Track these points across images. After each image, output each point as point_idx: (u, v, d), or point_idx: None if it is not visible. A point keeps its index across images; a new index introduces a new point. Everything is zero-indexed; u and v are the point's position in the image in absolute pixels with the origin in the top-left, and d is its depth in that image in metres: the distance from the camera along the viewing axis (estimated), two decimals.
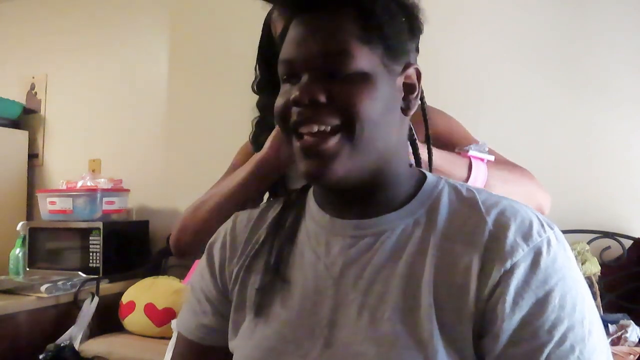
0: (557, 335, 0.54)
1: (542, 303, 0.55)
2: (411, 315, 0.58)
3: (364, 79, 0.60)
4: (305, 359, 0.61)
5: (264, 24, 1.08)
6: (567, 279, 0.57)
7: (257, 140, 1.11)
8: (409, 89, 0.65)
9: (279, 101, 0.63)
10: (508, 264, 0.56)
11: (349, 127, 0.59)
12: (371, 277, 0.61)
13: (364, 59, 0.60)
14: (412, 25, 0.65)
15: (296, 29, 0.63)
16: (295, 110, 0.60)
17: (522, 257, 0.56)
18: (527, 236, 0.58)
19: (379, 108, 0.60)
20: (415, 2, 0.66)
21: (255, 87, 1.10)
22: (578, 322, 0.55)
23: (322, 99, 0.59)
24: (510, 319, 0.55)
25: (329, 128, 0.59)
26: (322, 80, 0.60)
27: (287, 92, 0.62)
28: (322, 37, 0.61)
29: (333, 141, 0.59)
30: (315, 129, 0.59)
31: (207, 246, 0.77)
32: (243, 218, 0.76)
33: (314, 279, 0.65)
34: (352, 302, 0.61)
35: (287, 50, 0.63)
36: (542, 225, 0.59)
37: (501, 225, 0.59)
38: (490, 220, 0.59)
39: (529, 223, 0.59)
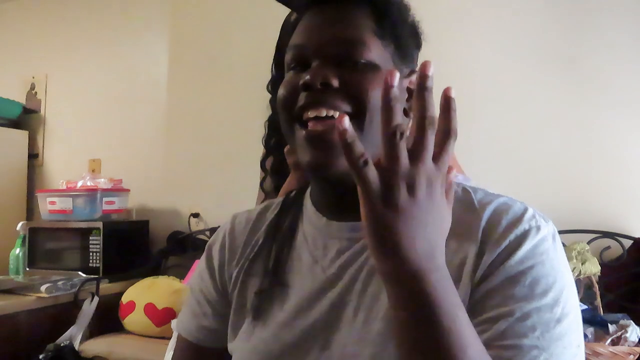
0: (519, 312, 0.53)
1: (512, 280, 0.54)
2: None
3: (375, 69, 0.60)
4: None
5: (283, 25, 1.09)
6: (546, 265, 0.56)
7: (268, 143, 1.10)
8: (412, 94, 0.66)
9: (284, 88, 0.62)
10: (496, 252, 0.56)
11: (359, 115, 0.59)
12: (366, 279, 0.61)
13: (377, 51, 0.61)
14: (417, 37, 0.67)
15: (310, 18, 0.64)
16: (303, 94, 0.60)
17: (508, 244, 0.56)
18: (517, 223, 0.58)
19: None
20: (417, 20, 0.67)
21: (269, 87, 1.11)
22: (546, 307, 0.54)
23: (335, 83, 0.59)
24: (478, 289, 0.55)
25: (337, 114, 0.58)
26: (333, 66, 0.60)
27: (292, 79, 0.62)
28: (337, 25, 0.61)
29: None
30: (324, 113, 0.58)
31: (206, 247, 0.77)
32: (241, 220, 0.76)
33: (311, 282, 0.65)
34: (348, 304, 0.61)
35: (298, 37, 0.63)
36: (535, 216, 0.59)
37: (494, 220, 0.59)
38: (484, 217, 0.59)
39: (522, 213, 0.59)
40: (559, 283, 0.56)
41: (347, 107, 0.59)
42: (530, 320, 0.53)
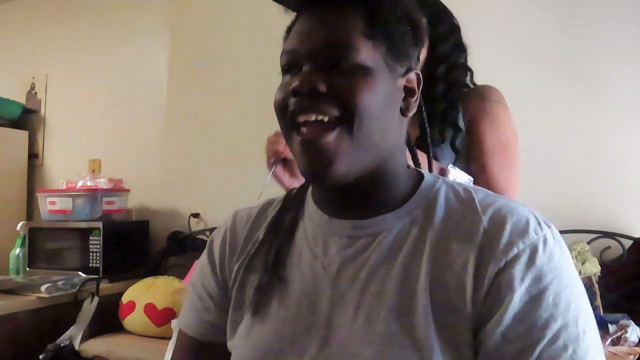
0: (549, 334, 0.54)
1: (535, 301, 0.55)
2: (407, 315, 0.58)
3: (365, 72, 0.60)
4: (302, 358, 0.62)
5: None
6: (562, 277, 0.56)
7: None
8: (409, 92, 0.66)
9: (278, 93, 0.63)
10: (502, 262, 0.56)
11: (348, 119, 0.59)
12: (367, 277, 0.62)
13: (367, 53, 0.60)
14: (415, 34, 0.66)
15: (302, 22, 0.64)
16: (293, 100, 0.61)
17: (517, 255, 0.56)
18: (523, 234, 0.58)
19: (379, 102, 0.60)
20: (420, 15, 0.67)
21: None
22: (572, 321, 0.55)
23: (322, 88, 0.59)
24: (503, 316, 0.55)
25: (326, 118, 0.59)
26: (323, 70, 0.60)
27: (286, 84, 0.63)
28: (326, 29, 0.61)
29: (332, 135, 0.59)
30: (313, 117, 0.59)
31: (207, 243, 0.78)
32: (243, 216, 0.76)
33: (311, 279, 0.65)
34: (348, 302, 0.62)
35: (290, 41, 0.64)
36: (539, 224, 0.59)
37: (497, 224, 0.59)
38: (485, 218, 0.59)
39: (526, 221, 0.59)
40: (575, 293, 0.57)
41: (335, 111, 0.59)
42: (561, 340, 0.54)
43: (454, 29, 1.12)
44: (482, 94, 1.14)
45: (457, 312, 0.57)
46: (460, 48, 1.11)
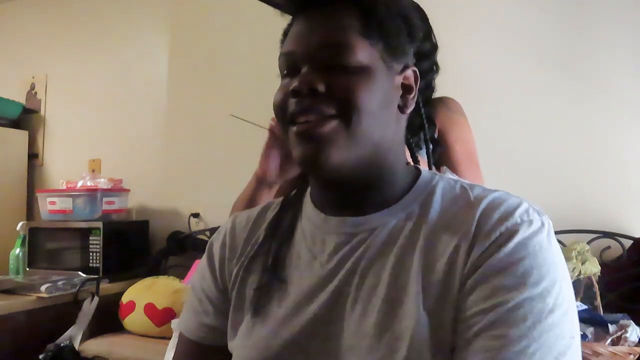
0: (511, 302, 0.53)
1: (502, 270, 0.55)
2: (399, 305, 0.58)
3: (363, 71, 0.61)
4: (302, 357, 0.62)
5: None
6: (538, 257, 0.56)
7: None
8: (407, 89, 0.66)
9: (278, 94, 0.64)
10: (486, 244, 0.57)
11: (346, 115, 0.60)
12: (363, 272, 0.62)
13: (364, 52, 0.61)
14: (410, 31, 0.67)
15: (299, 25, 0.65)
16: (293, 100, 0.61)
17: (499, 235, 0.57)
18: (507, 217, 0.58)
19: (376, 101, 0.61)
20: (414, 13, 0.68)
21: None
22: (539, 297, 0.54)
23: (321, 88, 0.60)
24: (468, 281, 0.56)
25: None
26: (321, 71, 0.61)
27: (286, 85, 0.63)
28: (323, 30, 0.62)
29: (329, 126, 0.60)
30: (313, 118, 0.60)
31: (207, 246, 0.78)
32: (242, 219, 0.77)
33: (309, 278, 0.66)
34: (346, 298, 0.62)
35: (288, 44, 0.65)
36: (528, 211, 0.59)
37: (488, 213, 0.59)
38: (479, 210, 0.60)
39: (514, 208, 0.59)
40: (552, 274, 0.56)
41: (332, 110, 0.60)
42: (522, 310, 0.53)
43: (434, 48, 1.18)
44: (449, 106, 1.23)
45: (445, 299, 0.57)
46: (436, 67, 1.17)
